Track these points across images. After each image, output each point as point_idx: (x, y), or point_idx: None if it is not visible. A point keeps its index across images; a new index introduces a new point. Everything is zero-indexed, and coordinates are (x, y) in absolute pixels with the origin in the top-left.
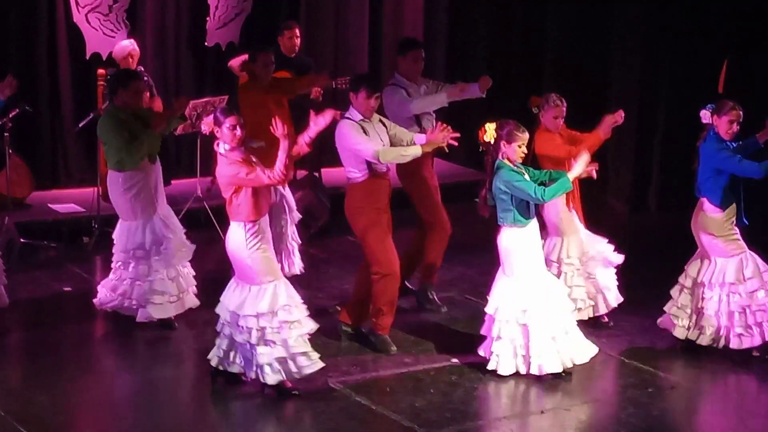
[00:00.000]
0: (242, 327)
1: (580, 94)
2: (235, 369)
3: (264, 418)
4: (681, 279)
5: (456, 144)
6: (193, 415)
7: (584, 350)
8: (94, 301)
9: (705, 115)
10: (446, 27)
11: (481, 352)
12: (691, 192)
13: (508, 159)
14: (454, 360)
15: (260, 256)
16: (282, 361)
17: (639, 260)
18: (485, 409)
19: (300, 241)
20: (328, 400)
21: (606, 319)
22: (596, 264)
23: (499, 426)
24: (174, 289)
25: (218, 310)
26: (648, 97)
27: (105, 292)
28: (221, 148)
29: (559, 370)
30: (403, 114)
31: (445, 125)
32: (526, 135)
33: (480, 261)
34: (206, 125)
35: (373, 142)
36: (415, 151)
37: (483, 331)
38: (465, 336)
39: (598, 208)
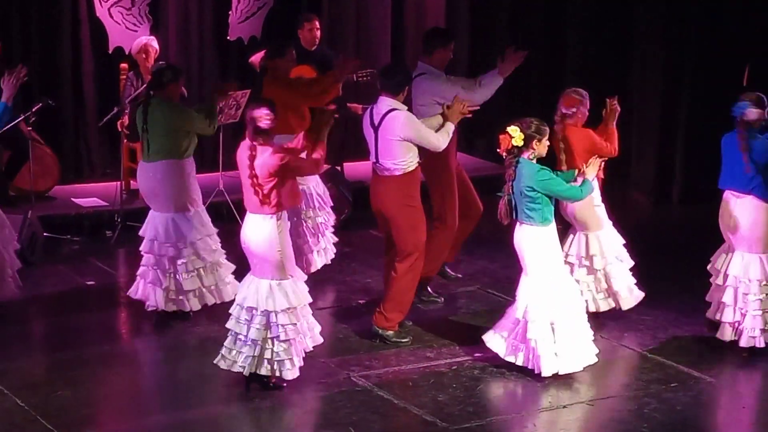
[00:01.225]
0: (267, 323)
1: (602, 87)
2: (236, 369)
3: (286, 412)
4: (719, 281)
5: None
6: (215, 409)
7: (592, 351)
8: (132, 295)
9: (751, 113)
10: (468, 19)
11: (493, 347)
12: (714, 184)
13: (538, 155)
14: (477, 354)
15: (287, 252)
16: (293, 358)
17: (662, 253)
18: (507, 404)
19: (332, 239)
20: (350, 395)
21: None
22: (614, 263)
23: (521, 421)
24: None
25: (233, 308)
26: (671, 89)
27: (146, 287)
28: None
29: (580, 369)
30: (441, 97)
31: (457, 98)
32: (547, 128)
33: (502, 255)
34: (265, 119)
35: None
36: (451, 128)
37: (501, 329)
38: (487, 330)
39: (621, 201)
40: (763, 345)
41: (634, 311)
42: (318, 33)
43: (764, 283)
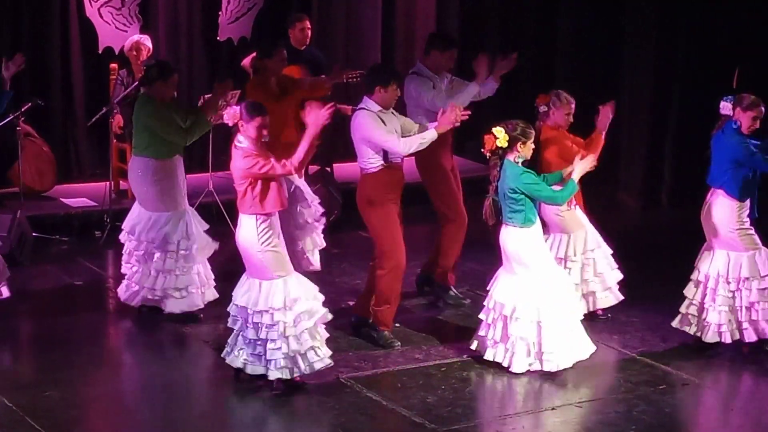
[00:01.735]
0: (255, 323)
1: (592, 90)
2: (238, 364)
3: (275, 413)
4: (693, 276)
5: (467, 118)
6: (203, 410)
7: (585, 347)
8: (121, 296)
9: (725, 107)
10: (458, 21)
11: (475, 347)
12: (703, 187)
13: (523, 158)
14: (466, 356)
15: (271, 252)
16: (293, 356)
17: (651, 256)
18: (496, 405)
19: (323, 243)
20: (338, 395)
21: (601, 313)
22: (602, 261)
23: (510, 422)
24: (198, 282)
25: (230, 307)
26: (660, 92)
27: (131, 287)
28: (239, 140)
29: (570, 365)
30: (423, 105)
31: (454, 105)
32: (533, 131)
33: (491, 257)
34: (231, 117)
35: (394, 134)
36: (432, 135)
37: (482, 330)
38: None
39: (609, 204)
40: (729, 341)
41: (623, 313)
42: (309, 33)
43: (754, 280)
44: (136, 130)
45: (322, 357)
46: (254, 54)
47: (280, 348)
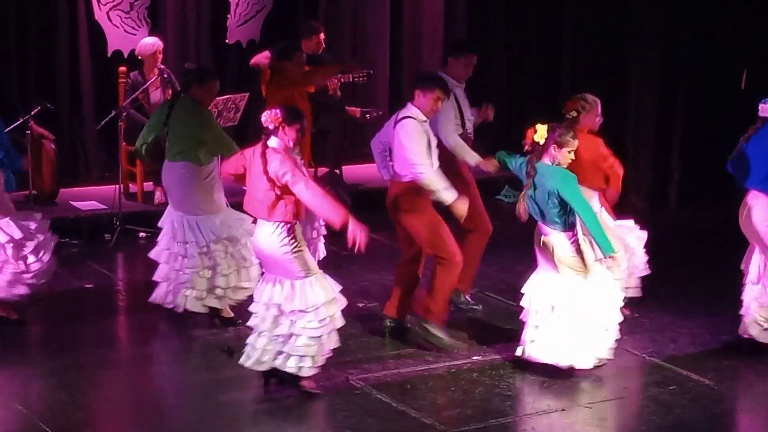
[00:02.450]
0: (292, 321)
1: (598, 93)
2: (263, 367)
3: (284, 415)
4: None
5: None
6: (211, 412)
7: (610, 347)
8: (162, 302)
9: (764, 109)
10: (466, 25)
11: (521, 353)
12: (711, 187)
13: (557, 163)
14: (475, 357)
15: (300, 253)
16: (314, 355)
17: (659, 257)
18: (506, 407)
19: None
20: (348, 398)
21: (628, 311)
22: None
23: (520, 423)
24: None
25: (253, 307)
26: (667, 93)
27: (166, 288)
28: (274, 143)
29: (601, 363)
30: (435, 127)
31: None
32: (577, 142)
33: (499, 258)
34: (272, 120)
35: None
36: (443, 195)
37: (526, 334)
38: (486, 333)
39: (617, 205)
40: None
41: (633, 312)
42: (323, 44)
43: None
44: (175, 137)
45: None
46: (265, 52)
47: (308, 345)
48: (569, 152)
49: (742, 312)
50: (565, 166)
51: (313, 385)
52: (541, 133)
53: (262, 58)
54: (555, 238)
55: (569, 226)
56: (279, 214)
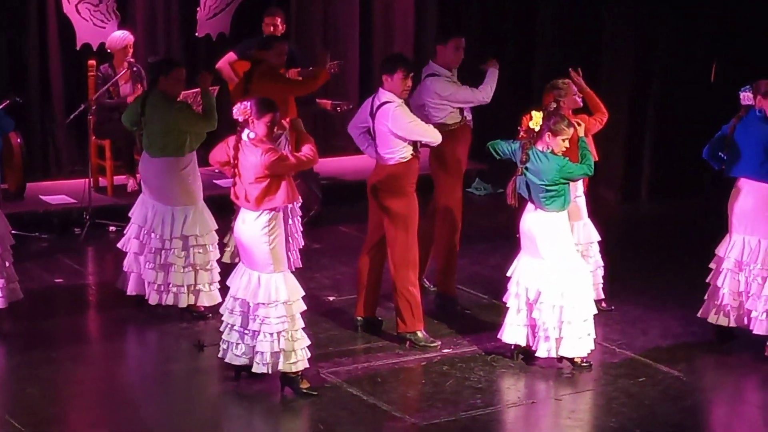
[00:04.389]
0: (255, 316)
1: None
2: (239, 362)
3: (255, 408)
4: (717, 264)
5: None
6: (184, 405)
7: (591, 339)
8: (127, 289)
9: (746, 97)
10: (437, 16)
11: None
12: (682, 179)
13: (550, 151)
14: (446, 350)
15: (278, 246)
16: (278, 351)
17: (630, 249)
18: (477, 400)
19: (301, 239)
20: (319, 391)
21: (604, 305)
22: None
23: (489, 416)
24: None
25: (227, 300)
26: (639, 85)
27: (142, 281)
28: (247, 135)
29: (585, 354)
30: (457, 100)
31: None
32: (572, 130)
33: (471, 251)
34: (241, 113)
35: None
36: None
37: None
38: (456, 326)
39: (588, 198)
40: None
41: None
42: (281, 28)
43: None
44: (154, 133)
45: (303, 358)
46: (229, 55)
47: (271, 341)
48: (563, 140)
49: (708, 297)
50: (558, 152)
51: (307, 384)
52: (536, 119)
53: (225, 62)
54: (544, 217)
55: (563, 206)
56: (269, 202)
